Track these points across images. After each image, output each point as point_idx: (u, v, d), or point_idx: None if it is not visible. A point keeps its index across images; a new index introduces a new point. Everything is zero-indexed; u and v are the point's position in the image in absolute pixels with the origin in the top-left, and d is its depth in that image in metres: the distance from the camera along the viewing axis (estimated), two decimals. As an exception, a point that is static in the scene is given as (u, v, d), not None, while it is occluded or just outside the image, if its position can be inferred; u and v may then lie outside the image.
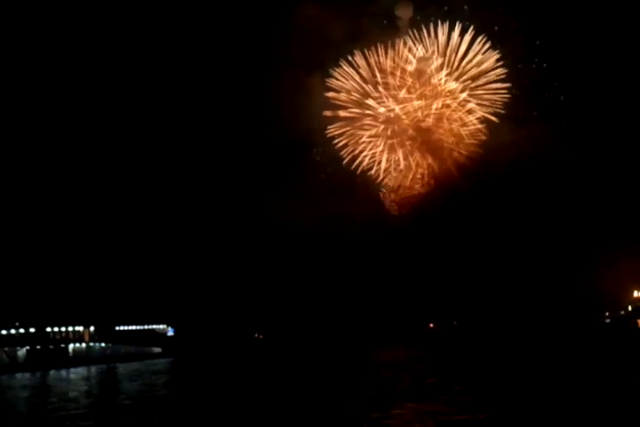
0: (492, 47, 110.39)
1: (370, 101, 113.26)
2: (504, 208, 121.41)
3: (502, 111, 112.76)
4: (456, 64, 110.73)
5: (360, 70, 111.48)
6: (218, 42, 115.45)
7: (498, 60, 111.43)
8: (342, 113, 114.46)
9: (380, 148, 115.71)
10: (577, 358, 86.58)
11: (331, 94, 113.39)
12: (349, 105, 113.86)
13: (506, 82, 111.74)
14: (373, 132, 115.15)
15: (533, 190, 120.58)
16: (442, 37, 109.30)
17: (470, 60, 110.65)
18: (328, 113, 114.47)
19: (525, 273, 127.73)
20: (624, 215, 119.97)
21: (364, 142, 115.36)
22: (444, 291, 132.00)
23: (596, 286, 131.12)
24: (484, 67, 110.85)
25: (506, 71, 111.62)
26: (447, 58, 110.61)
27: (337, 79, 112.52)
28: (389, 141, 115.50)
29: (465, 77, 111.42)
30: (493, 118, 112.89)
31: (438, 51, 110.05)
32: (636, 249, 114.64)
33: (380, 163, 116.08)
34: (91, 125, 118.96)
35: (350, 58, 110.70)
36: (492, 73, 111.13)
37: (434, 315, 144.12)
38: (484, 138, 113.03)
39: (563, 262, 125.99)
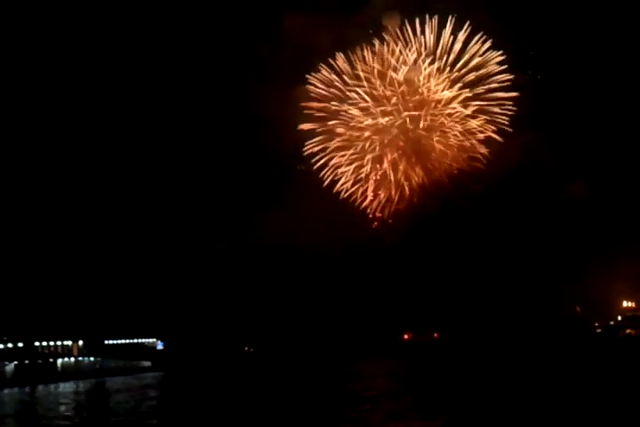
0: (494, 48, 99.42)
1: (354, 111, 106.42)
2: (492, 219, 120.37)
3: (508, 128, 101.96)
4: (448, 69, 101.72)
5: (343, 76, 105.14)
6: (203, 51, 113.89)
7: (500, 64, 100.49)
8: (321, 126, 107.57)
9: (364, 165, 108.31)
10: (571, 369, 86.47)
11: (309, 104, 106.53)
12: (329, 115, 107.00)
13: (511, 91, 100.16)
14: (359, 147, 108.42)
15: (520, 202, 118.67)
16: (431, 37, 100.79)
17: (466, 64, 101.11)
18: (305, 126, 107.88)
19: (514, 282, 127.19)
20: (614, 225, 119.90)
21: (346, 158, 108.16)
22: (425, 300, 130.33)
23: (586, 297, 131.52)
24: (482, 71, 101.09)
25: (511, 77, 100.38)
26: (438, 62, 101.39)
27: (317, 86, 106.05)
28: (374, 155, 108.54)
29: (460, 85, 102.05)
30: (497, 137, 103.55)
31: (428, 54, 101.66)
32: (623, 259, 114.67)
33: (365, 181, 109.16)
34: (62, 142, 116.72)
35: (333, 64, 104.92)
36: (494, 79, 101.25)
37: (411, 324, 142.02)
38: (480, 152, 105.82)
39: (552, 273, 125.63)
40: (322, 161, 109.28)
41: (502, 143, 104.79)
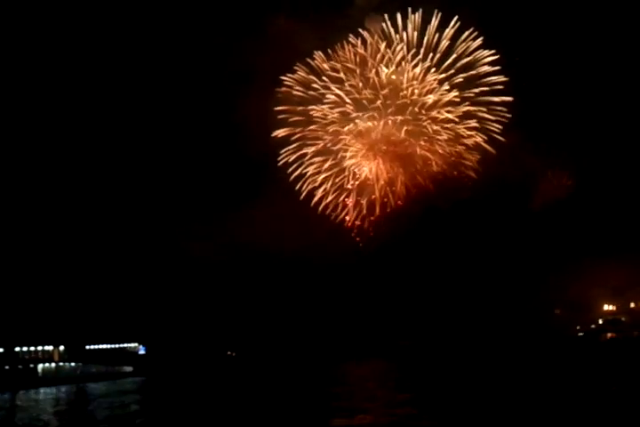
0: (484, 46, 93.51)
1: (334, 115, 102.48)
2: (473, 222, 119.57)
3: (500, 137, 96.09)
4: (434, 69, 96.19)
5: (323, 77, 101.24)
6: (184, 54, 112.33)
7: (493, 64, 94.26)
8: (299, 132, 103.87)
9: (344, 172, 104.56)
10: (552, 373, 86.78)
11: (285, 108, 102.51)
12: (307, 120, 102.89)
13: (505, 94, 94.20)
14: (339, 153, 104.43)
15: (501, 205, 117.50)
16: (415, 35, 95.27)
17: (453, 64, 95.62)
18: (280, 132, 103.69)
19: (493, 285, 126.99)
20: (594, 228, 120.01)
21: (325, 166, 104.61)
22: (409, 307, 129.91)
23: (566, 300, 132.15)
24: (472, 73, 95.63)
25: (504, 80, 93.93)
26: (423, 63, 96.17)
27: (294, 89, 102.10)
28: (355, 162, 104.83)
29: (447, 87, 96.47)
30: (489, 148, 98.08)
31: (413, 55, 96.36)
32: (604, 262, 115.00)
33: (345, 189, 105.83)
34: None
35: (312, 64, 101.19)
36: (484, 81, 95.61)
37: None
38: (467, 158, 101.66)
39: (532, 276, 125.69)
40: (300, 168, 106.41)
41: (491, 148, 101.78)
